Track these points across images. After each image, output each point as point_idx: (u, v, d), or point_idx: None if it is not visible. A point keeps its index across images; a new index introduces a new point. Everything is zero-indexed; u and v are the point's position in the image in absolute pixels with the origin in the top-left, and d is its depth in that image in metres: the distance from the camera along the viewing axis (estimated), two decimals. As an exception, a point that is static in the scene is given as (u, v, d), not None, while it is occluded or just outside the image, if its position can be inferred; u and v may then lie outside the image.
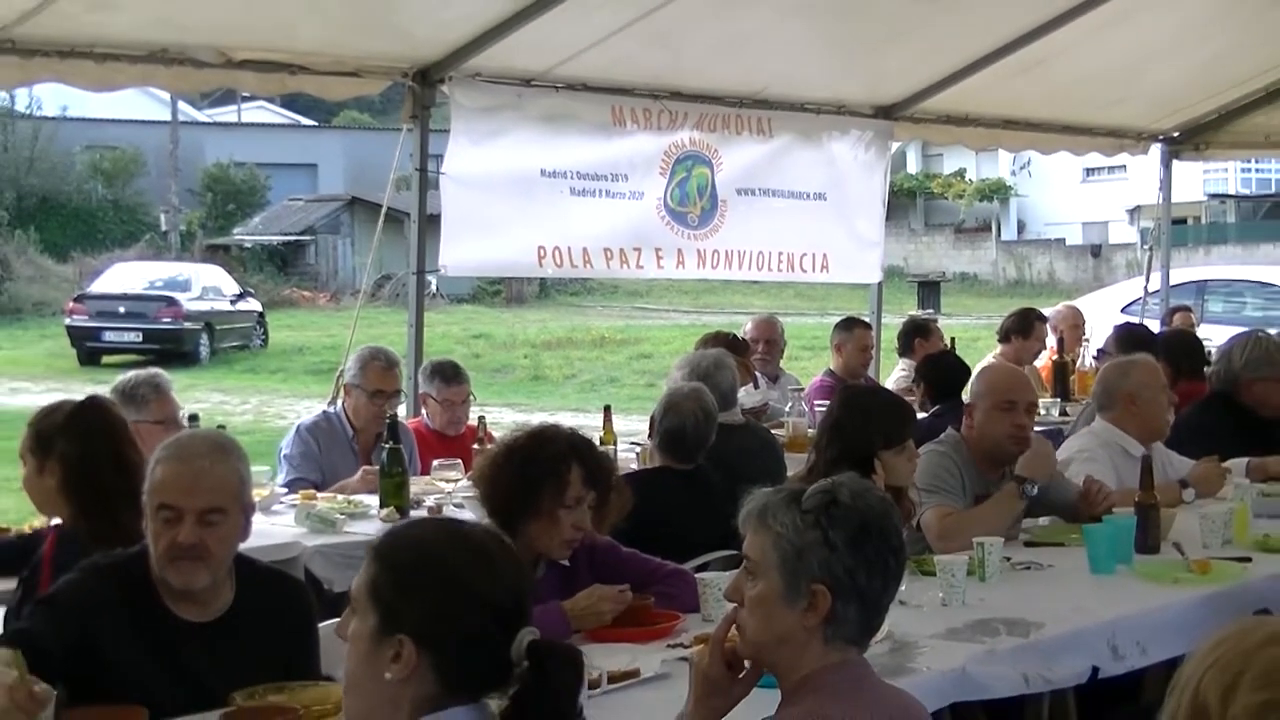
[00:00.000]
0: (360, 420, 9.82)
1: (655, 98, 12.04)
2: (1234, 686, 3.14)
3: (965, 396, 8.47)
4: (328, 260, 53.71)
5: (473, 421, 10.31)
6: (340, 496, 8.99)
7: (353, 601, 3.97)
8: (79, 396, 7.02)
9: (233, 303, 41.13)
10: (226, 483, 5.45)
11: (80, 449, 6.24)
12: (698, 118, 12.41)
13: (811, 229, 13.36)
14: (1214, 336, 14.61)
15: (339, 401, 10.08)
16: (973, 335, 20.92)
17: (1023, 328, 14.72)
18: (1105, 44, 12.79)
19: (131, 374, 9.14)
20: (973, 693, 5.88)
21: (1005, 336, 14.82)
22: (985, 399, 8.18)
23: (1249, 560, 7.71)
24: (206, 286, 40.84)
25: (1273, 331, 12.00)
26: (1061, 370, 13.92)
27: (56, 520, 6.46)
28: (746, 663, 3.92)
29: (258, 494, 7.03)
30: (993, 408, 8.12)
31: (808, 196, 13.21)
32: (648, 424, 8.56)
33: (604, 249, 12.04)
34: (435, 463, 9.28)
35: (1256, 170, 57.89)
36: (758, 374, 12.41)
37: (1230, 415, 10.29)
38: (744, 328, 13.52)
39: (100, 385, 9.42)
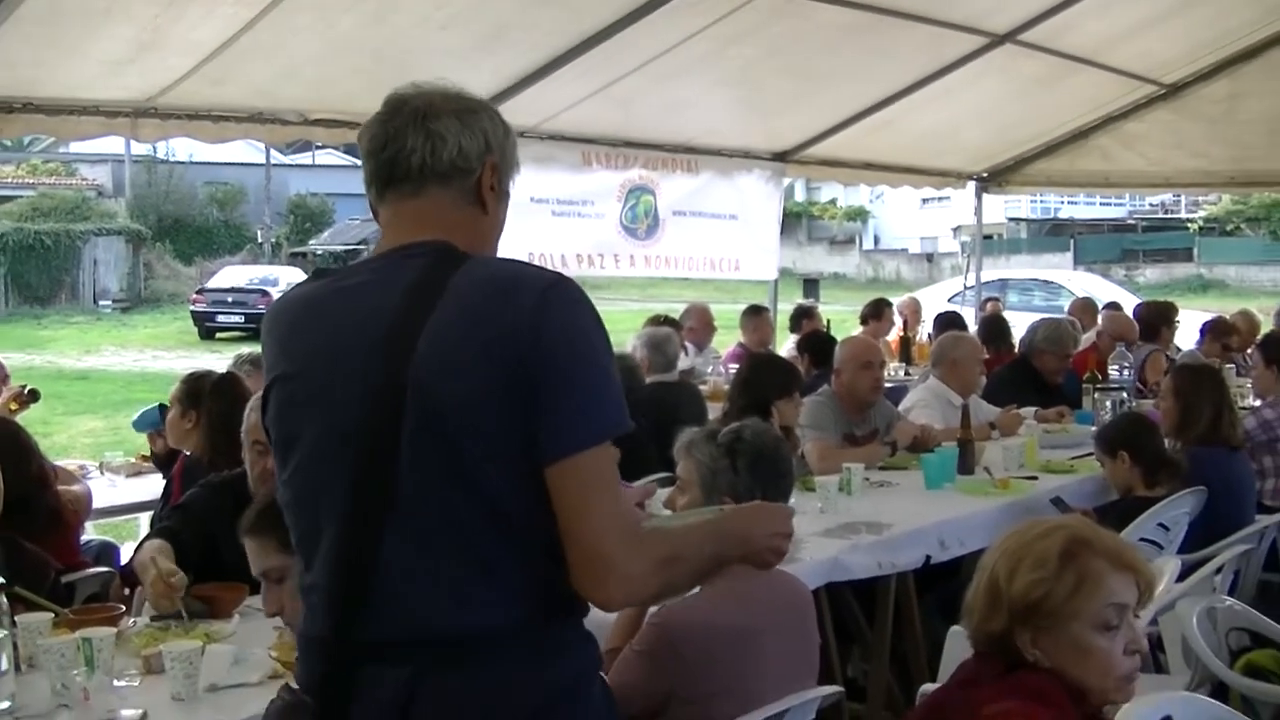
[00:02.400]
0: None
1: (614, 145, 12.00)
2: (1016, 568, 3.22)
3: (835, 363, 8.47)
4: (359, 270, 53.68)
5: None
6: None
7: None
8: (213, 367, 7.47)
9: (309, 295, 41.12)
10: None
11: (221, 405, 6.53)
12: (644, 160, 12.37)
13: (727, 240, 13.33)
14: (1012, 319, 14.66)
15: None
16: (842, 318, 20.87)
17: (876, 313, 14.96)
18: (934, 112, 12.83)
19: (247, 351, 9.32)
20: (841, 575, 5.93)
21: (864, 320, 15.02)
22: (850, 362, 8.29)
23: (1036, 479, 7.85)
24: (290, 282, 40.33)
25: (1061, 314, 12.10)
26: (905, 343, 14.00)
27: (186, 451, 6.91)
28: None
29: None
30: (857, 368, 8.21)
31: (724, 216, 13.21)
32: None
33: (576, 254, 12.04)
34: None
35: (1040, 201, 57.92)
36: (689, 345, 12.44)
37: (1028, 376, 10.43)
38: (683, 313, 13.59)
39: (214, 354, 9.53)
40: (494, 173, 3.01)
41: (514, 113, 10.40)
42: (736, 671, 4.19)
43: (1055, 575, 3.17)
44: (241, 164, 53.30)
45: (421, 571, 2.73)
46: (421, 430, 2.70)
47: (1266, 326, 14.01)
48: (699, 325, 13.42)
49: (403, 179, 2.92)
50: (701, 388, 10.56)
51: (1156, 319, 12.65)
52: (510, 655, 2.75)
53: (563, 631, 2.84)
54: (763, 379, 7.60)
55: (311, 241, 55.51)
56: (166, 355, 31.61)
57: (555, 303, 2.75)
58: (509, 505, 2.73)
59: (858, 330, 15.00)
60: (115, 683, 4.07)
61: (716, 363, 12.53)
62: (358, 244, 54.32)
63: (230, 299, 38.19)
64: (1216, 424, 7.65)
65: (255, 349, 9.47)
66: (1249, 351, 11.77)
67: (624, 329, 12.00)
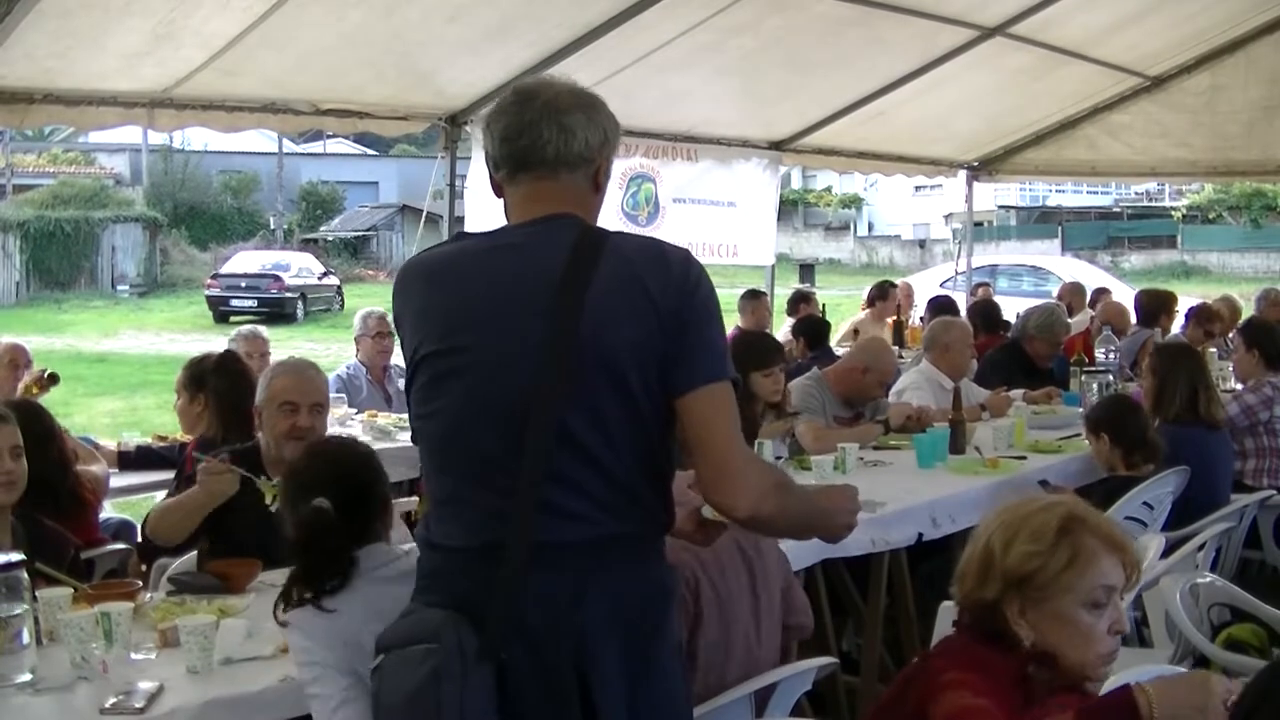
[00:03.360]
0: (369, 357, 10.20)
1: (616, 135, 11.99)
2: (1012, 540, 3.23)
3: (836, 348, 8.57)
4: (386, 249, 53.77)
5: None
6: (394, 415, 9.09)
7: None
8: (214, 349, 7.55)
9: (319, 279, 41.27)
10: (324, 387, 5.90)
11: (225, 383, 6.75)
12: (645, 148, 12.36)
13: (725, 226, 13.33)
14: (1001, 304, 14.67)
15: (357, 356, 10.34)
16: (837, 301, 20.93)
17: (882, 294, 15.06)
18: (926, 102, 12.83)
19: (247, 326, 10.12)
20: (836, 552, 5.90)
21: (871, 301, 15.10)
22: (859, 360, 8.42)
23: (1024, 458, 7.85)
24: (301, 268, 41.02)
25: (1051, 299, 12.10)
26: (899, 327, 13.97)
27: (190, 438, 7.03)
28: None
29: (334, 413, 7.54)
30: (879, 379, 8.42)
31: (723, 204, 13.20)
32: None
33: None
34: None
35: (1029, 189, 57.97)
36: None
37: (1019, 359, 10.45)
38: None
39: (228, 337, 9.56)
40: (608, 161, 3.43)
41: (518, 104, 10.45)
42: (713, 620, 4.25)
43: (1050, 549, 3.19)
44: (255, 153, 53.47)
45: (586, 485, 3.17)
46: (590, 363, 3.15)
47: (1248, 312, 14.01)
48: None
49: (537, 164, 3.32)
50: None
51: (1156, 307, 12.66)
52: (645, 558, 3.28)
53: (661, 543, 3.35)
54: (740, 352, 7.60)
55: (322, 228, 55.78)
56: (182, 338, 31.64)
57: (695, 269, 3.27)
58: (653, 431, 3.23)
59: (863, 310, 15.10)
60: (132, 655, 4.08)
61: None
62: (368, 230, 54.57)
63: (244, 284, 38.41)
64: (1193, 403, 7.72)
65: (256, 327, 9.71)
66: (1231, 336, 11.79)
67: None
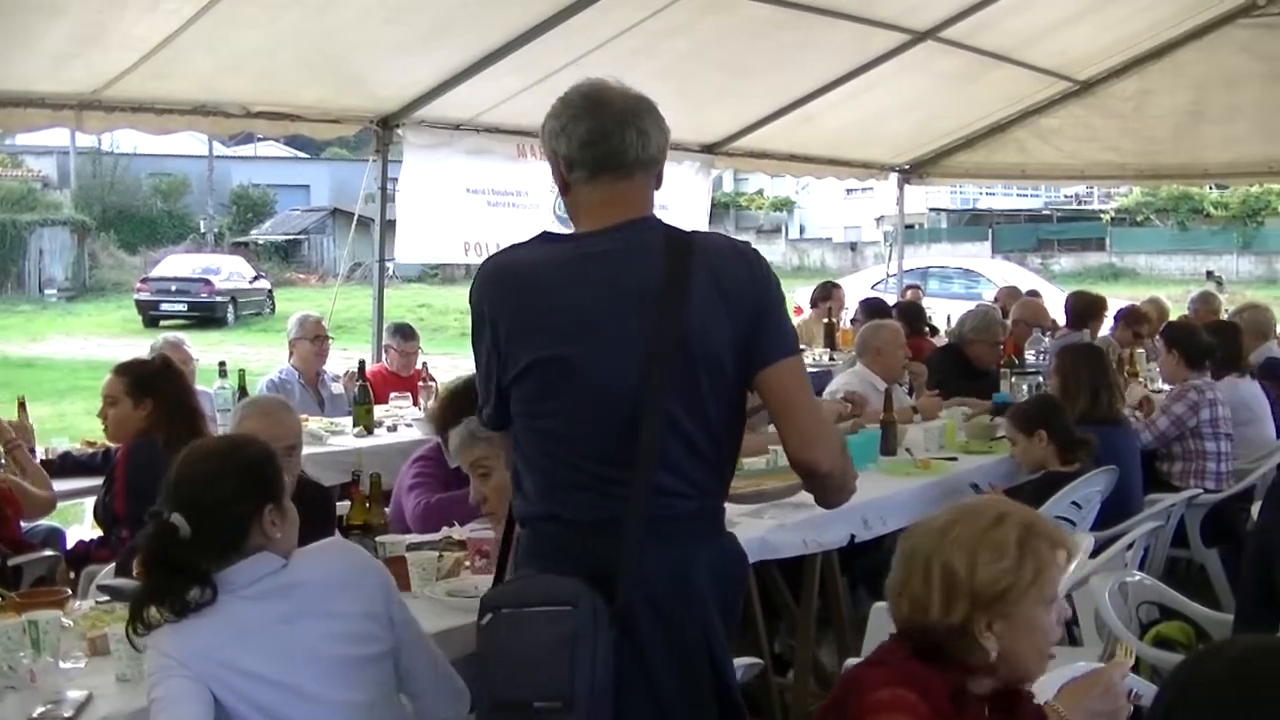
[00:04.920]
0: (304, 361, 10.08)
1: (548, 139, 12.00)
2: (975, 560, 3.20)
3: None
4: (317, 253, 53.51)
5: (419, 366, 10.40)
6: (326, 419, 9.03)
7: None
8: (145, 354, 7.48)
9: (251, 283, 41.11)
10: (297, 427, 5.81)
11: (175, 387, 6.69)
12: (578, 153, 12.35)
13: (657, 230, 13.35)
14: (933, 306, 14.79)
15: (289, 360, 10.21)
16: (769, 305, 21.00)
17: (826, 295, 15.03)
18: (857, 106, 12.89)
19: (171, 334, 10.02)
20: (769, 554, 5.92)
21: (814, 302, 15.10)
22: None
23: (955, 459, 7.87)
24: (232, 271, 40.85)
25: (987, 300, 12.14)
26: (830, 329, 13.98)
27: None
28: None
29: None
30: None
31: (655, 207, 13.19)
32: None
33: (511, 244, 12.04)
34: (392, 395, 9.49)
35: (960, 192, 58.32)
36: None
37: (958, 362, 10.50)
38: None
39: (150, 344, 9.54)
40: (665, 159, 3.77)
41: (451, 106, 10.44)
42: None
43: (1017, 565, 3.19)
44: (185, 156, 53.08)
45: (687, 467, 3.55)
46: (695, 362, 3.51)
47: (1176, 313, 14.16)
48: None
49: (618, 166, 3.63)
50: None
51: (1087, 309, 12.73)
52: (717, 528, 3.70)
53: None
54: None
55: (253, 231, 55.51)
56: (111, 343, 31.36)
57: (764, 261, 3.70)
58: (740, 412, 3.69)
59: (810, 311, 15.15)
60: (61, 664, 4.02)
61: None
62: (299, 233, 54.30)
63: (174, 287, 38.21)
64: (1095, 401, 7.88)
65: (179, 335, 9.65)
66: (1158, 337, 11.91)
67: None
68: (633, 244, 3.60)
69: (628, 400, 3.49)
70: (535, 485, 3.67)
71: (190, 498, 3.65)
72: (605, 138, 3.62)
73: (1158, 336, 10.49)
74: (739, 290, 3.56)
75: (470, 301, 3.76)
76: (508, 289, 3.68)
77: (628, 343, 3.50)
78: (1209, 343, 9.12)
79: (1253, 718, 2.20)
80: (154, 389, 6.60)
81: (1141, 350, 11.77)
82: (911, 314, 12.94)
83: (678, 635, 3.54)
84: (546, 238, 3.80)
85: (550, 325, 3.58)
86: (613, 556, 3.45)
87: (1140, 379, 10.82)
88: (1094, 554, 5.82)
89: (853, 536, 6.47)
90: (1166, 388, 9.50)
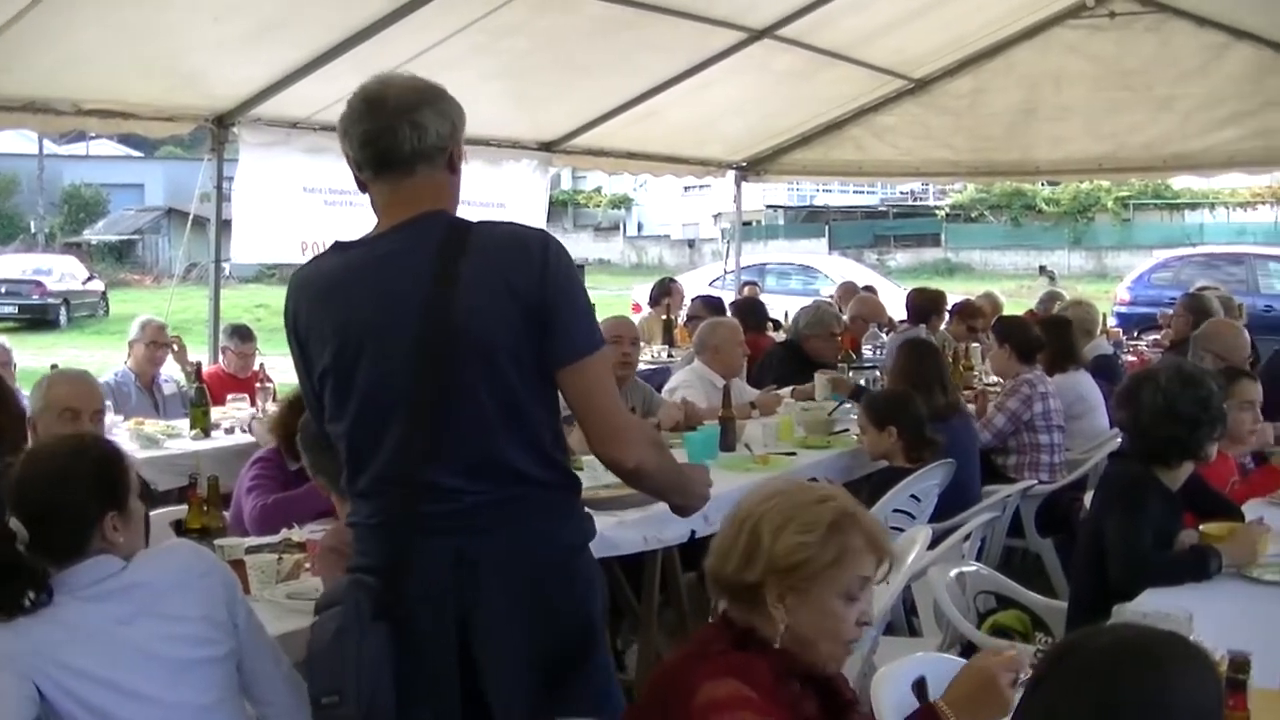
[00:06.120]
0: (140, 364, 9.90)
1: (385, 137, 11.94)
2: (783, 529, 3.24)
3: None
4: (152, 253, 52.67)
5: (256, 368, 10.30)
6: (162, 422, 8.92)
7: None
8: None
9: (84, 284, 40.15)
10: (101, 394, 6.04)
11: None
12: (415, 151, 12.32)
13: (495, 228, 13.37)
14: (770, 302, 14.93)
15: (125, 363, 10.02)
16: (608, 303, 20.95)
17: (665, 291, 15.12)
18: (695, 103, 12.98)
19: None
20: (610, 551, 5.91)
21: (654, 300, 15.17)
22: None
23: (794, 454, 7.94)
24: (65, 272, 39.81)
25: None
26: (668, 326, 14.04)
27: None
28: None
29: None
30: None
31: (491, 205, 13.20)
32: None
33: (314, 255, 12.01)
34: (229, 397, 9.36)
35: (797, 189, 58.72)
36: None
37: (795, 358, 10.58)
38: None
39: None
40: (459, 145, 3.84)
41: (287, 104, 10.35)
42: None
43: (820, 543, 3.23)
44: (14, 154, 52.03)
45: (467, 457, 3.59)
46: (464, 355, 3.55)
47: (1011, 308, 14.44)
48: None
49: (397, 163, 3.70)
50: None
51: (927, 306, 12.90)
52: (518, 520, 3.64)
53: (568, 500, 3.79)
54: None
55: (86, 231, 54.44)
56: (-65, 347, 30.67)
57: (553, 251, 3.66)
58: (528, 407, 3.64)
59: (647, 311, 15.18)
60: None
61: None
62: (133, 234, 53.38)
63: (3, 289, 37.21)
64: (932, 395, 8.00)
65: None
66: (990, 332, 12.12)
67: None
68: (412, 242, 3.68)
69: (403, 399, 3.59)
70: (351, 495, 3.81)
71: (35, 499, 3.62)
72: (379, 136, 3.70)
73: (990, 331, 10.67)
74: (516, 286, 3.58)
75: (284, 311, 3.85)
76: (304, 304, 3.79)
77: (403, 343, 3.59)
78: (1040, 337, 9.33)
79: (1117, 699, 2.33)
80: None
81: (976, 345, 11.97)
82: (749, 311, 13.03)
83: (437, 632, 3.62)
84: (339, 246, 3.87)
85: (335, 335, 3.68)
86: (391, 550, 3.62)
87: (975, 372, 11.03)
88: (932, 545, 5.92)
89: (693, 532, 6.50)
90: (999, 381, 9.68)
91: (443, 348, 3.55)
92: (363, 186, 3.84)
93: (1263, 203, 51.95)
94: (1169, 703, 2.33)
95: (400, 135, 3.68)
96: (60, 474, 3.70)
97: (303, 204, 11.33)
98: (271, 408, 8.64)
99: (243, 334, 10.58)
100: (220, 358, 10.53)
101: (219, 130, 10.54)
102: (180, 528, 5.29)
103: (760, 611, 3.28)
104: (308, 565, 4.91)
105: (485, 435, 3.61)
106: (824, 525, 3.26)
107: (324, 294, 3.75)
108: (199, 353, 10.75)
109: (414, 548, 3.60)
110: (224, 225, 11.02)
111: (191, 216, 13.27)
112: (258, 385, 9.70)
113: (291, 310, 3.80)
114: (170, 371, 10.23)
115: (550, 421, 3.74)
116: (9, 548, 3.53)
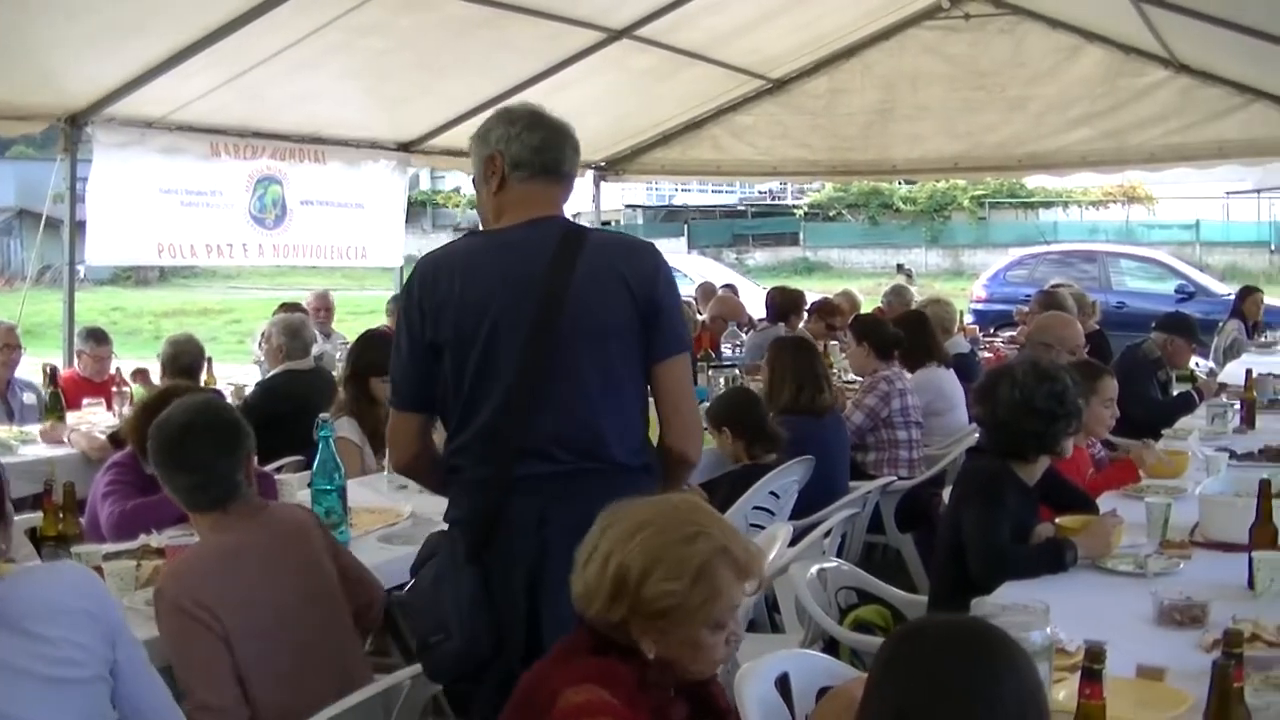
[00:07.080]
0: None
1: (242, 136, 11.89)
2: (649, 572, 3.15)
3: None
4: (3, 255, 51.67)
5: (113, 371, 10.15)
6: (15, 427, 8.78)
7: None
8: None
9: (-70, 288, 39.51)
10: None
11: None
12: (272, 150, 12.28)
13: (354, 228, 13.36)
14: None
15: None
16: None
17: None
18: (554, 104, 12.53)
19: None
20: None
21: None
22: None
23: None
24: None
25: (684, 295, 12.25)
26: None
27: None
28: None
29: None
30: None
31: (351, 205, 13.20)
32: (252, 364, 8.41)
33: (205, 244, 11.92)
34: (85, 401, 9.23)
35: (657, 189, 58.85)
36: (316, 331, 12.35)
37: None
38: (306, 299, 13.49)
39: None
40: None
41: (142, 104, 10.24)
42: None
43: (689, 589, 3.16)
44: None
45: (565, 428, 4.06)
46: (578, 331, 4.05)
47: (869, 306, 14.59)
48: (325, 311, 13.38)
49: (554, 173, 4.28)
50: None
51: (787, 304, 12.99)
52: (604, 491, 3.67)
53: (645, 484, 4.03)
54: (364, 355, 7.60)
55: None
56: None
57: (662, 259, 4.27)
58: (625, 389, 4.14)
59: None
60: None
61: (344, 349, 12.45)
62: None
63: None
64: (799, 393, 8.07)
65: None
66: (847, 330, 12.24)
67: (255, 317, 11.82)
68: (539, 233, 4.16)
69: (515, 369, 4.03)
70: (451, 445, 4.22)
71: None
72: (555, 147, 4.27)
73: (848, 329, 10.77)
74: (637, 277, 4.13)
75: (406, 291, 4.27)
76: (436, 283, 4.16)
77: (521, 320, 4.04)
78: (897, 334, 9.43)
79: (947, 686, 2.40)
80: None
81: (835, 342, 12.09)
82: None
83: (519, 577, 4.02)
84: (471, 234, 4.54)
85: (463, 310, 4.09)
86: (484, 506, 4.06)
87: (834, 369, 11.13)
88: (793, 542, 5.98)
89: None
90: (854, 378, 9.79)
91: (556, 326, 4.03)
92: (500, 185, 4.28)
93: (1114, 202, 52.80)
94: (997, 692, 2.43)
95: (565, 152, 4.29)
96: None
97: (159, 205, 11.24)
98: (128, 411, 8.52)
99: (98, 337, 10.42)
100: (75, 361, 10.37)
101: (72, 130, 10.42)
102: (36, 535, 5.21)
103: (626, 641, 3.23)
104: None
105: (584, 409, 4.05)
106: (693, 569, 3.18)
107: (455, 272, 4.14)
108: (54, 356, 10.59)
109: (505, 505, 4.03)
110: (78, 226, 10.89)
111: (44, 217, 13.08)
112: (114, 389, 9.58)
113: (417, 285, 4.18)
114: (26, 374, 10.05)
115: (641, 407, 4.23)
116: None
